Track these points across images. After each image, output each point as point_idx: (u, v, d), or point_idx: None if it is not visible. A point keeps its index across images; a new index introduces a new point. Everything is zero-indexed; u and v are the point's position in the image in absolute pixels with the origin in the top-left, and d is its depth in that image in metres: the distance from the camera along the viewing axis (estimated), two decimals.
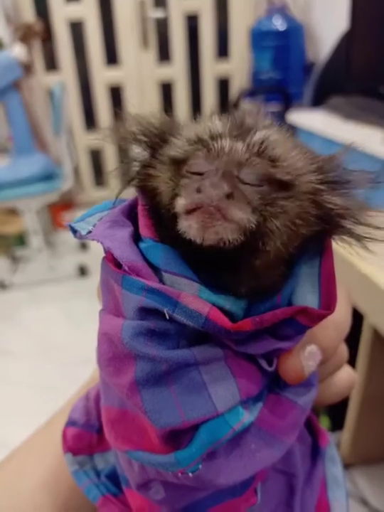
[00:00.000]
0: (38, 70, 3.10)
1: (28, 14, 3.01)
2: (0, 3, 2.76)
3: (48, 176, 2.42)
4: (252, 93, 2.67)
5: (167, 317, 0.29)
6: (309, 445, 0.41)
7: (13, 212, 2.95)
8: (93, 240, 0.31)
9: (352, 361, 1.27)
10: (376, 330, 1.09)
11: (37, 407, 1.55)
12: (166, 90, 3.31)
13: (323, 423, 1.46)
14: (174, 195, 0.29)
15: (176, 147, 0.29)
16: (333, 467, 0.42)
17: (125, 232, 0.31)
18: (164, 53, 3.21)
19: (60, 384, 1.79)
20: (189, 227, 0.27)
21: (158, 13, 3.07)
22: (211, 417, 0.30)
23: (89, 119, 3.40)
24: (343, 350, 0.40)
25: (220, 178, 0.27)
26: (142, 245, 0.31)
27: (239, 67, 3.17)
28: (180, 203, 0.27)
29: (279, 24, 2.58)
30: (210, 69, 3.25)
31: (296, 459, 0.37)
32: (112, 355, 0.31)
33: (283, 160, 0.28)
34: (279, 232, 0.28)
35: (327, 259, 0.31)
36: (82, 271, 2.69)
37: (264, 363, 0.32)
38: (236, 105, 2.64)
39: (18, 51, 2.27)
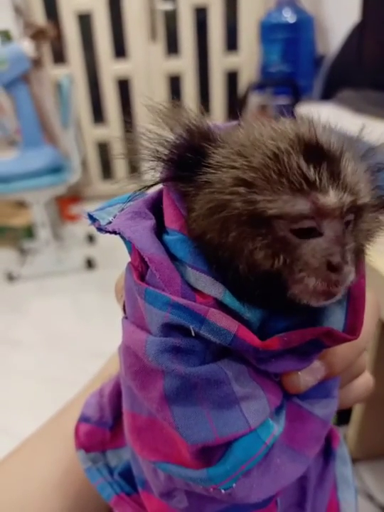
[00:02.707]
0: (46, 63, 3.10)
1: (37, 6, 3.01)
2: None
3: (56, 169, 2.42)
4: (261, 86, 2.65)
5: (193, 334, 0.28)
6: (322, 446, 0.39)
7: (21, 204, 2.96)
8: (113, 230, 0.30)
9: None
10: None
11: (44, 398, 1.56)
12: (175, 83, 3.30)
13: None
14: (274, 255, 0.26)
15: (256, 202, 0.26)
16: (343, 467, 0.41)
17: (147, 224, 0.30)
18: (173, 46, 3.19)
19: (67, 375, 1.80)
20: (312, 299, 0.27)
21: (167, 6, 3.05)
22: (244, 433, 0.29)
23: (98, 112, 3.40)
24: (363, 360, 0.38)
25: (346, 247, 0.26)
26: (167, 238, 0.29)
27: (248, 60, 3.15)
28: (312, 284, 0.26)
29: (288, 16, 2.56)
30: (219, 62, 3.23)
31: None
32: (139, 368, 0.30)
33: (362, 182, 0.27)
34: (364, 242, 0.29)
35: (360, 279, 0.30)
36: (90, 264, 2.70)
37: (271, 374, 0.32)
38: (245, 98, 2.62)
39: (26, 46, 2.27)
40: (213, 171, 0.27)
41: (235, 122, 0.31)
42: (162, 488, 0.33)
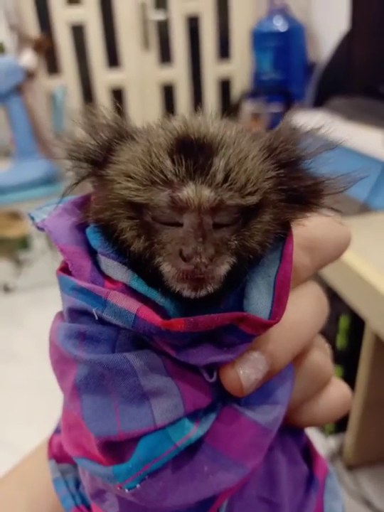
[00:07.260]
0: (40, 74, 3.11)
1: (30, 18, 3.02)
2: (1, 8, 2.76)
3: (51, 180, 2.43)
4: (253, 94, 2.67)
5: (96, 317, 0.28)
6: (304, 474, 0.37)
7: (16, 215, 2.96)
8: (43, 226, 0.31)
9: (355, 364, 1.27)
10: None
11: (43, 409, 1.56)
12: (168, 92, 3.31)
13: (327, 426, 1.46)
14: (138, 236, 0.28)
15: (129, 189, 0.28)
16: (333, 502, 0.37)
17: (71, 218, 0.31)
18: (166, 55, 3.21)
19: None
20: (178, 287, 0.27)
21: (159, 16, 3.07)
22: (148, 431, 0.28)
23: None
24: (322, 364, 0.36)
25: (200, 239, 0.26)
26: (88, 229, 0.31)
27: (240, 68, 3.17)
28: (167, 270, 0.27)
29: (280, 25, 2.58)
30: (212, 70, 3.25)
31: (282, 488, 0.34)
32: (58, 357, 0.31)
33: (250, 181, 0.27)
34: (256, 246, 0.28)
35: (285, 264, 0.29)
36: None
37: (205, 374, 0.30)
38: (238, 106, 2.64)
39: (28, 59, 2.28)
40: (115, 165, 0.29)
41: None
42: (90, 489, 0.33)
